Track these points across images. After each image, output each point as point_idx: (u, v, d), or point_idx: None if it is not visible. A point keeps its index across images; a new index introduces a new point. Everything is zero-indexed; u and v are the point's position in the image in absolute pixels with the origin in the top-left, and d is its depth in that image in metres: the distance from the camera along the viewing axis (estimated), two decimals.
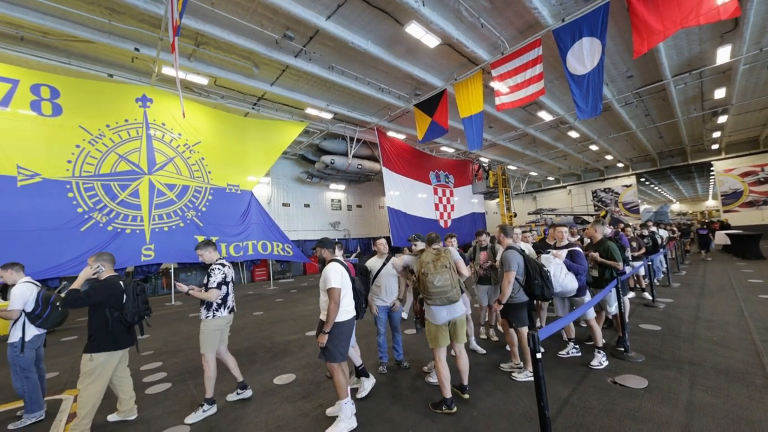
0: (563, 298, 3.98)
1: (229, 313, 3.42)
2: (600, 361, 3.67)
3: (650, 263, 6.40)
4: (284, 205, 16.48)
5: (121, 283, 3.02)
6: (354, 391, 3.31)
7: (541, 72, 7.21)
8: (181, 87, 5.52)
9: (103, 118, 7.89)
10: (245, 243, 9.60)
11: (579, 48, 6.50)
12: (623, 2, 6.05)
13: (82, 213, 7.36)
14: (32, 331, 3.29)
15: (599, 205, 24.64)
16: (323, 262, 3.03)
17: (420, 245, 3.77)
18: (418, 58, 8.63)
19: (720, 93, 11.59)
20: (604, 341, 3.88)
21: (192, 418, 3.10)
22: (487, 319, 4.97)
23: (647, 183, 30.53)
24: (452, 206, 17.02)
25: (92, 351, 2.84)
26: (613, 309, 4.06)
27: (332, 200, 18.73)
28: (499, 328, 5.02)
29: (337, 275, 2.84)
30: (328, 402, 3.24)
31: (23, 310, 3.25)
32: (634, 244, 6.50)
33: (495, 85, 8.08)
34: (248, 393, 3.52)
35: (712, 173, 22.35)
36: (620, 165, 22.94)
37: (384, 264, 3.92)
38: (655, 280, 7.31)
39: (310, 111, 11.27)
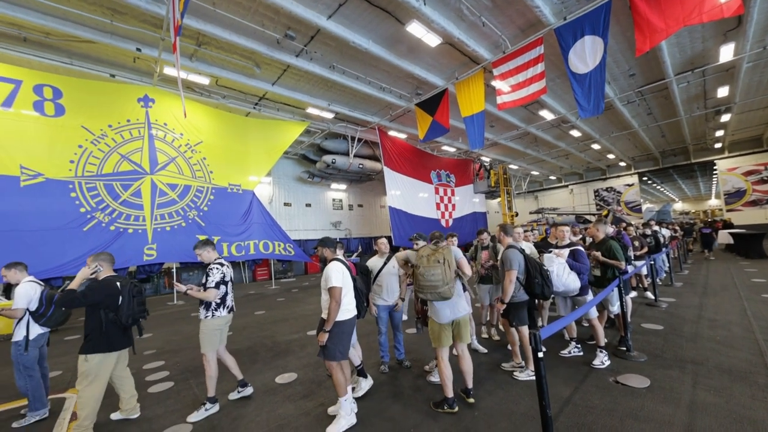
0: (565, 297, 3.97)
1: (229, 312, 3.42)
2: (602, 360, 3.66)
3: (653, 262, 6.38)
4: (285, 204, 16.50)
5: (118, 284, 2.99)
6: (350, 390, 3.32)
7: (542, 71, 7.19)
8: (182, 87, 5.53)
9: (105, 118, 7.92)
10: (247, 242, 9.63)
11: (581, 46, 6.47)
12: (625, 0, 6.02)
13: (84, 213, 7.40)
14: (36, 329, 3.31)
15: (601, 204, 24.56)
16: (324, 262, 3.04)
17: (421, 244, 3.77)
18: (419, 57, 8.61)
19: (723, 91, 11.52)
20: (606, 341, 3.87)
21: (194, 417, 3.11)
22: (488, 318, 4.97)
23: (650, 182, 30.41)
24: (453, 206, 17.00)
25: (87, 352, 2.82)
26: (616, 308, 4.05)
27: (333, 200, 18.74)
28: (501, 327, 5.01)
29: (338, 274, 2.84)
30: (329, 401, 3.25)
31: (27, 309, 3.27)
32: (637, 244, 6.48)
33: (496, 84, 8.06)
34: (249, 390, 3.53)
35: (715, 172, 22.23)
36: (622, 164, 22.85)
37: (385, 263, 3.92)
38: (658, 280, 7.29)
39: (311, 111, 11.28)
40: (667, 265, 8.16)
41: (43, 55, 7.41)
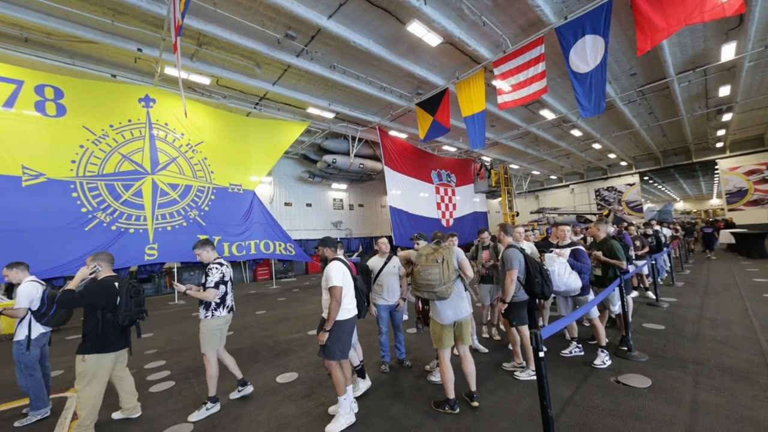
0: (567, 297, 3.97)
1: (229, 312, 3.42)
2: (603, 360, 3.65)
3: (654, 262, 6.37)
4: (286, 204, 16.52)
5: (116, 284, 2.97)
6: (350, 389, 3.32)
7: (543, 70, 7.17)
8: (183, 87, 5.54)
9: (106, 119, 7.93)
10: (248, 242, 9.64)
11: (582, 46, 6.45)
12: None
13: (86, 213, 7.42)
14: (38, 329, 3.32)
15: (602, 204, 24.50)
16: (325, 261, 3.04)
17: (422, 244, 3.77)
18: (419, 56, 8.61)
19: (725, 90, 11.48)
20: (607, 340, 3.86)
21: (195, 416, 3.12)
22: (489, 318, 4.97)
23: (651, 182, 30.33)
24: (454, 205, 16.98)
25: (84, 352, 2.82)
26: (617, 308, 4.04)
27: (334, 199, 18.75)
28: (501, 327, 5.01)
29: (338, 273, 2.85)
30: (330, 400, 3.25)
31: (29, 309, 3.28)
32: (638, 243, 6.47)
33: (497, 83, 8.05)
34: (249, 389, 3.54)
35: (716, 172, 22.16)
36: (623, 163, 22.79)
37: (386, 263, 3.92)
38: (659, 279, 7.27)
39: (311, 110, 11.28)
40: (669, 264, 8.15)
41: (44, 55, 7.42)
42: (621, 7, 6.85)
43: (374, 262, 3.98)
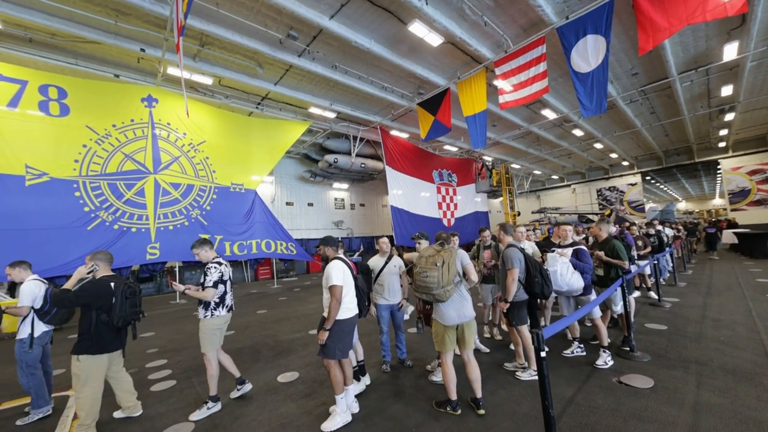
0: (568, 297, 3.96)
1: (228, 311, 3.41)
2: (605, 360, 3.64)
3: (656, 262, 6.34)
4: (288, 204, 16.54)
5: (112, 284, 2.92)
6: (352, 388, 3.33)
7: (545, 70, 7.16)
8: (185, 87, 5.56)
9: (109, 118, 7.96)
10: (249, 242, 9.65)
11: (583, 45, 6.44)
12: None
13: (88, 212, 7.44)
14: (41, 327, 3.34)
15: (604, 203, 24.43)
16: (327, 260, 3.04)
17: (424, 243, 3.77)
18: (421, 56, 8.61)
19: (727, 90, 11.43)
20: (609, 341, 3.85)
21: (196, 416, 3.13)
22: (490, 318, 4.96)
23: (653, 181, 30.23)
24: (455, 205, 16.96)
25: (77, 353, 2.79)
26: (619, 308, 4.03)
27: (335, 199, 18.77)
28: (503, 327, 5.00)
29: (339, 273, 2.85)
30: (331, 400, 3.25)
31: (32, 307, 3.30)
32: (640, 243, 6.44)
33: (498, 83, 8.04)
34: (248, 387, 3.54)
35: (719, 171, 22.06)
36: (625, 163, 22.71)
37: (386, 263, 3.92)
38: (661, 280, 7.24)
39: (313, 110, 11.30)
40: (671, 264, 8.12)
41: (48, 55, 7.47)
42: (622, 6, 6.83)
43: (375, 262, 3.98)
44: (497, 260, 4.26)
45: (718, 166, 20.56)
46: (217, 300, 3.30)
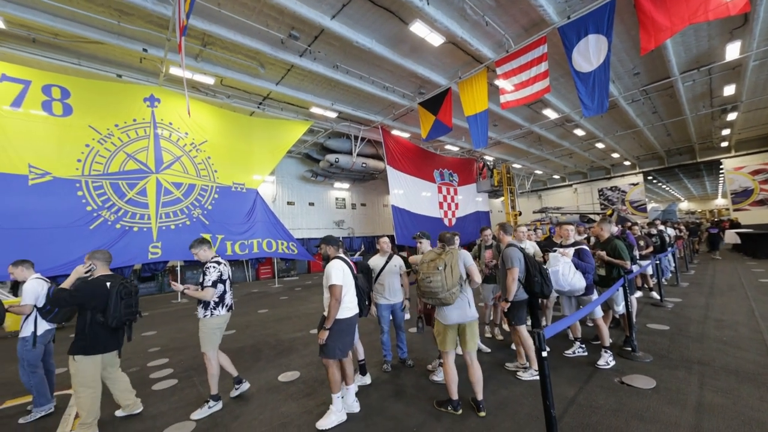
0: (570, 297, 3.95)
1: (228, 311, 3.41)
2: (607, 360, 3.63)
3: (658, 262, 6.32)
4: (289, 203, 16.56)
5: (108, 284, 2.88)
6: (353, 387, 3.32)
7: (546, 70, 7.15)
8: (187, 87, 5.57)
9: (112, 118, 8.00)
10: (250, 241, 9.67)
11: (585, 45, 6.42)
12: None
13: (91, 211, 7.48)
14: (44, 325, 3.35)
15: (606, 203, 24.35)
16: (327, 259, 3.04)
17: (425, 242, 3.77)
18: (422, 56, 8.60)
19: (729, 90, 11.38)
20: (611, 341, 3.84)
21: (198, 414, 3.13)
22: (492, 318, 4.96)
23: (655, 181, 30.11)
24: (456, 205, 16.95)
25: (73, 353, 2.79)
26: (621, 308, 4.02)
27: (336, 199, 18.78)
28: (504, 326, 5.00)
29: (338, 272, 2.85)
30: (331, 399, 3.25)
31: (35, 306, 3.31)
32: (642, 243, 6.43)
33: (500, 83, 8.03)
34: (245, 386, 3.54)
35: (721, 171, 21.98)
36: (627, 163, 22.63)
37: (387, 262, 3.92)
38: (663, 280, 7.22)
39: (314, 110, 11.30)
40: (673, 264, 8.09)
41: (51, 55, 7.50)
42: (624, 6, 6.81)
43: (375, 262, 3.97)
44: (498, 260, 4.25)
45: (721, 166, 20.46)
46: (217, 299, 3.30)
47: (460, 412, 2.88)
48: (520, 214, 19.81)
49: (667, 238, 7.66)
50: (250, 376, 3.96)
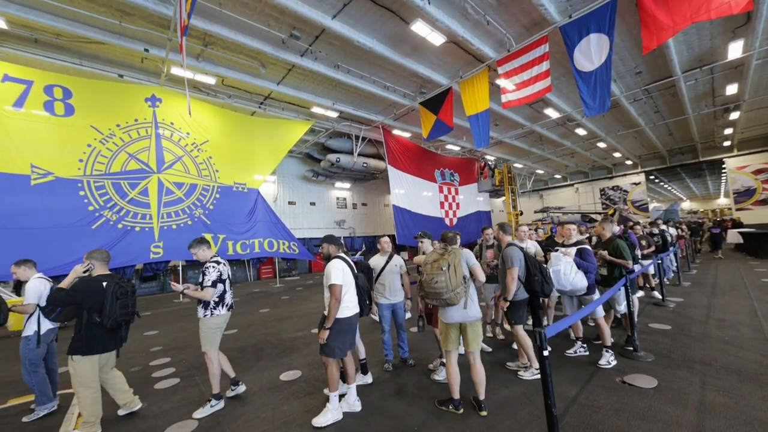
0: (572, 296, 3.94)
1: (228, 310, 3.41)
2: (608, 360, 3.63)
3: (660, 262, 6.30)
4: (290, 203, 16.58)
5: (104, 284, 2.86)
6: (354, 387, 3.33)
7: (547, 69, 7.14)
8: (188, 87, 5.58)
9: (113, 118, 8.02)
10: (252, 241, 9.69)
11: (586, 44, 6.41)
12: None
13: (93, 211, 7.50)
14: (47, 324, 3.38)
15: (607, 203, 24.31)
16: (328, 258, 3.05)
17: (426, 242, 3.77)
18: (423, 56, 8.60)
19: (732, 89, 11.34)
20: (612, 340, 3.84)
21: (200, 413, 3.14)
22: (493, 317, 4.95)
23: (657, 181, 30.03)
24: (458, 204, 16.94)
25: (71, 353, 2.80)
26: (622, 307, 4.01)
27: (338, 198, 18.79)
28: (506, 326, 4.99)
29: (338, 272, 2.86)
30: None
31: (38, 305, 3.33)
32: (644, 243, 6.41)
33: (501, 82, 8.02)
34: (242, 388, 3.54)
35: (723, 171, 21.89)
36: (629, 162, 22.58)
37: (387, 262, 3.92)
38: (665, 279, 7.20)
39: (315, 110, 11.31)
40: (675, 264, 8.07)
41: (53, 56, 7.53)
42: (626, 5, 6.80)
43: (376, 261, 3.98)
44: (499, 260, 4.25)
45: (723, 166, 20.39)
46: (217, 299, 3.30)
47: (462, 411, 2.88)
48: (522, 213, 19.79)
49: (669, 238, 7.65)
50: (252, 375, 3.97)
